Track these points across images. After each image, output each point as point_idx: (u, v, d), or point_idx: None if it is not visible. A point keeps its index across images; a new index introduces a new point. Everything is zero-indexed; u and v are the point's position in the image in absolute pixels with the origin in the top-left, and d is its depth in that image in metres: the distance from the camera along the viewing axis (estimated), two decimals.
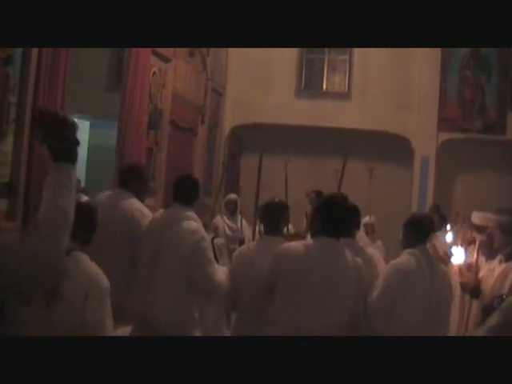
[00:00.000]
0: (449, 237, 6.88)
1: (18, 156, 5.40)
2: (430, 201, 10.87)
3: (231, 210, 8.59)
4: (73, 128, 2.17)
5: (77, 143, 2.19)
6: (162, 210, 4.56)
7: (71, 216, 2.08)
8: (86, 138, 12.17)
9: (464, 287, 4.70)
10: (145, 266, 4.18)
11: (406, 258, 3.98)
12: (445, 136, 11.22)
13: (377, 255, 4.50)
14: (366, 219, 7.05)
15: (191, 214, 4.28)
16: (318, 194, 8.09)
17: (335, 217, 3.66)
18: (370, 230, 7.68)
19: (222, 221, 8.39)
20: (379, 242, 8.28)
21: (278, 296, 3.49)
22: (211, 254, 4.22)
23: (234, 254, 4.22)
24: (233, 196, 8.92)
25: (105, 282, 2.84)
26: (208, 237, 4.46)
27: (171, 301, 4.02)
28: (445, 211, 10.38)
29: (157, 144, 8.68)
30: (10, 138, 5.30)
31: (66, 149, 2.12)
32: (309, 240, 3.79)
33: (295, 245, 3.67)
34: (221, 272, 4.15)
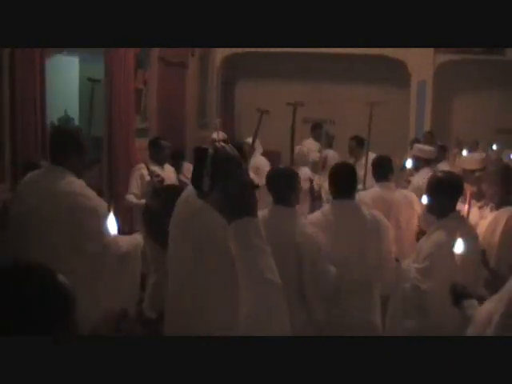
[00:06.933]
0: None
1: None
2: (427, 126, 10.75)
3: None
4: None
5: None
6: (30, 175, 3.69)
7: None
8: (77, 72, 12.07)
9: None
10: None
11: (444, 233, 3.65)
12: (442, 58, 10.92)
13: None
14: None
15: (65, 171, 3.55)
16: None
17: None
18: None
19: None
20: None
21: None
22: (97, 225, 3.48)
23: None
24: None
25: None
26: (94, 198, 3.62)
27: None
28: (443, 136, 10.33)
29: (145, 83, 8.50)
30: None
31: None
32: None
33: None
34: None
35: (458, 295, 3.08)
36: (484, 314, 2.69)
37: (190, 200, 3.49)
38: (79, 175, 3.59)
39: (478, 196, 4.69)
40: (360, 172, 5.67)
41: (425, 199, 4.23)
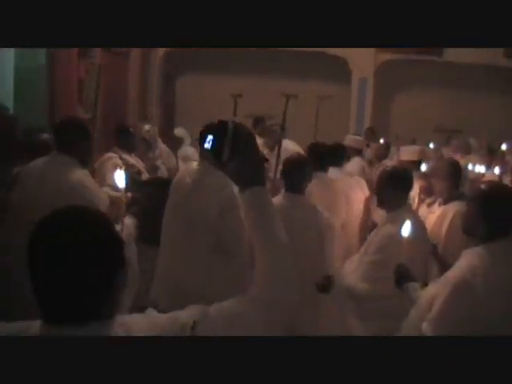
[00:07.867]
0: None
1: None
2: (367, 123, 10.92)
3: None
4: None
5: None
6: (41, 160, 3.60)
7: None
8: (12, 57, 11.60)
9: None
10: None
11: (395, 226, 3.49)
12: (383, 57, 11.12)
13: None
14: None
15: (70, 160, 3.53)
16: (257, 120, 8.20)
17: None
18: None
19: None
20: None
21: None
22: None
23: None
24: None
25: None
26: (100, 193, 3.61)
27: None
28: (383, 133, 10.51)
29: (88, 73, 8.32)
30: None
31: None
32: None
33: None
34: None
35: (401, 276, 3.13)
36: (428, 298, 2.78)
37: (182, 182, 3.63)
38: (85, 164, 3.60)
39: (428, 192, 4.79)
40: (272, 161, 5.72)
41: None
